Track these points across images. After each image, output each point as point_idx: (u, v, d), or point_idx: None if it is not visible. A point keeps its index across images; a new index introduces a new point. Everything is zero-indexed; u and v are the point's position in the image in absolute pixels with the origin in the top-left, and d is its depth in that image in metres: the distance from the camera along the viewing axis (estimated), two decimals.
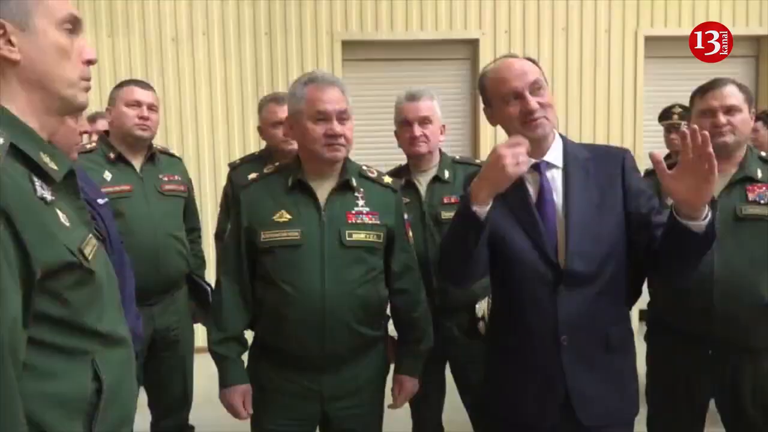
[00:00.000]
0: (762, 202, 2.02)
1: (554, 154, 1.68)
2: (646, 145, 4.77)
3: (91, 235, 1.04)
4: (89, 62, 1.09)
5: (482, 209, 1.52)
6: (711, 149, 1.33)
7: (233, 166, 3.03)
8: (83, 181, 1.87)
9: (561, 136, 1.73)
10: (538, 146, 1.64)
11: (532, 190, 1.67)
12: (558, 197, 1.65)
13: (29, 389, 0.89)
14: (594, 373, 1.62)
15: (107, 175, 2.47)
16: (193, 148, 4.78)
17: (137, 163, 2.59)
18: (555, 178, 1.67)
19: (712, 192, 1.41)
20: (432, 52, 4.98)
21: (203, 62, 4.76)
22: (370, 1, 4.84)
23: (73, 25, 1.06)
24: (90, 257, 0.99)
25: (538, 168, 1.66)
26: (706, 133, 1.34)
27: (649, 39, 5.02)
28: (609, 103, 5.02)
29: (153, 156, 2.65)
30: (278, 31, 4.78)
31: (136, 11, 4.67)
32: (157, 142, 4.45)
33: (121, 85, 2.62)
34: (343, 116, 1.82)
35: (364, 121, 4.70)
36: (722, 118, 2.02)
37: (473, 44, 4.98)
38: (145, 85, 2.63)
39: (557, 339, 1.60)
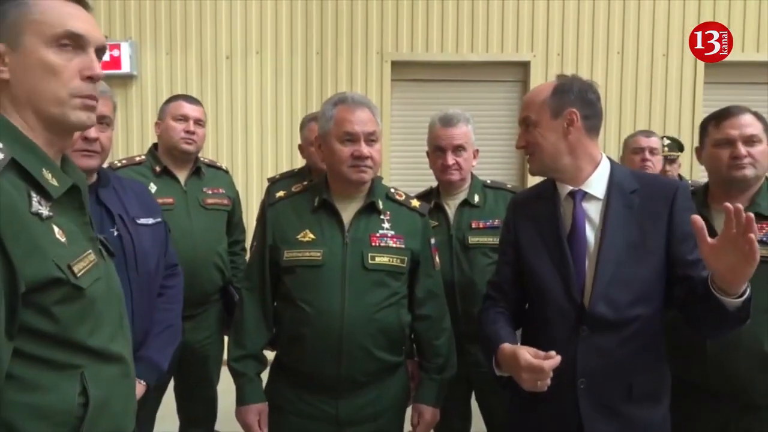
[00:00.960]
0: (766, 240, 1.81)
1: (596, 183, 1.59)
2: (704, 175, 4.58)
3: (90, 251, 1.06)
4: (90, 78, 1.07)
5: (501, 373, 1.56)
6: (753, 234, 1.23)
7: (272, 181, 3.07)
8: (138, 198, 1.90)
9: (609, 160, 1.64)
10: (575, 176, 1.59)
11: (566, 220, 1.60)
12: (594, 231, 1.56)
13: (14, 400, 0.92)
14: (615, 422, 1.53)
15: (152, 188, 2.52)
16: (242, 163, 4.89)
17: (182, 176, 2.65)
18: (592, 209, 1.58)
19: (749, 275, 1.29)
20: (482, 73, 4.95)
21: (255, 80, 4.87)
22: (421, 22, 4.86)
23: (74, 41, 1.06)
24: (80, 274, 1.00)
25: (573, 197, 1.59)
26: (751, 215, 1.23)
27: (709, 65, 4.83)
28: (665, 129, 4.86)
29: (198, 169, 2.70)
30: (329, 50, 4.85)
31: (194, 30, 4.83)
32: (207, 156, 4.61)
33: (170, 100, 2.70)
34: (371, 138, 1.81)
35: (411, 141, 4.72)
36: (742, 149, 1.84)
37: (524, 66, 4.93)
38: (192, 100, 2.70)
39: (574, 382, 1.52)
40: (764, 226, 1.81)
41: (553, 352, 1.40)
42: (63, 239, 1.00)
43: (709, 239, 1.29)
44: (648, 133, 3.28)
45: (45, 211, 0.98)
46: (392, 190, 1.96)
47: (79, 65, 1.06)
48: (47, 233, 0.97)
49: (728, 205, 1.24)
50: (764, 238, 1.78)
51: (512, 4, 4.85)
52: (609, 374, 1.52)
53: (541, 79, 4.81)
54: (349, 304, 1.77)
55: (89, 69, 1.07)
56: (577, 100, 1.58)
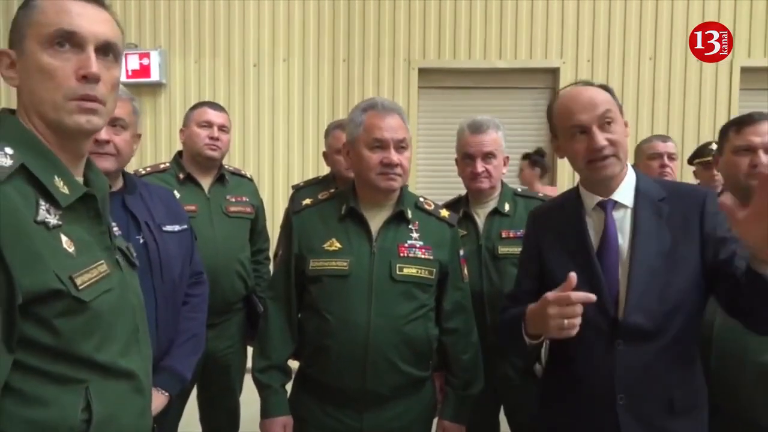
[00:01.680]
0: None
1: (624, 192, 1.53)
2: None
3: (101, 262, 1.02)
4: (85, 78, 1.00)
5: (533, 343, 1.48)
6: None
7: (297, 188, 3.05)
8: (165, 205, 1.88)
9: (634, 169, 1.59)
10: (604, 185, 1.52)
11: (594, 231, 1.54)
12: (624, 241, 1.51)
13: (13, 413, 0.89)
14: None
15: (176, 195, 2.52)
16: (268, 171, 4.90)
17: (206, 183, 2.63)
18: (623, 219, 1.52)
19: None
20: (510, 80, 4.89)
21: (282, 87, 4.88)
22: (449, 29, 4.82)
23: (69, 40, 1.01)
24: (83, 286, 0.96)
25: (604, 207, 1.53)
26: None
27: (745, 70, 4.72)
28: (699, 136, 4.74)
29: (222, 177, 2.68)
30: (356, 57, 4.85)
31: (222, 37, 4.86)
32: (234, 163, 4.62)
33: (194, 107, 2.69)
34: (401, 145, 1.76)
35: (438, 149, 4.68)
36: (764, 158, 1.78)
37: (554, 73, 4.86)
38: (216, 107, 2.69)
39: (614, 398, 1.46)
40: None
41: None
42: (71, 249, 0.96)
43: (740, 215, 1.22)
44: (664, 138, 3.16)
45: (53, 220, 0.95)
46: (421, 199, 1.91)
47: (76, 65, 1.00)
48: (52, 243, 0.94)
49: (764, 172, 1.18)
50: None
51: (541, 10, 4.79)
52: (649, 388, 1.46)
53: None
54: (375, 315, 1.72)
55: (84, 68, 1.00)
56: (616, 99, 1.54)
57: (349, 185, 1.91)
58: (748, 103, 4.73)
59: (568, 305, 1.32)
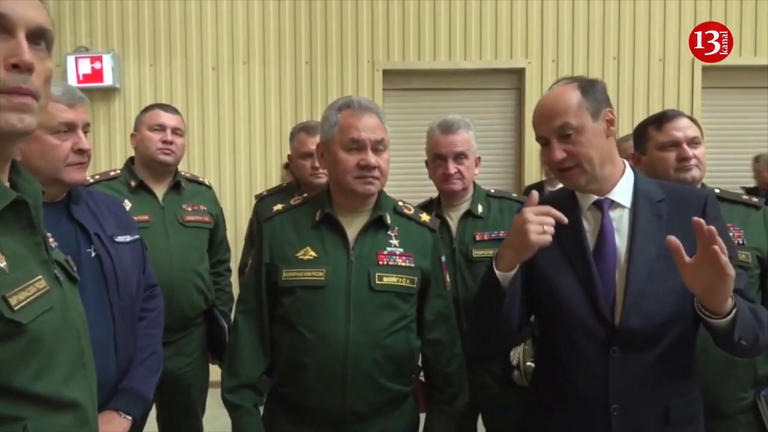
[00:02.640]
0: None
1: (622, 192, 1.47)
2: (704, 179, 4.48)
3: (39, 277, 0.89)
4: (16, 67, 0.85)
5: (505, 276, 1.37)
6: (717, 246, 1.16)
7: (260, 198, 2.92)
8: (114, 214, 1.75)
9: (633, 169, 1.52)
10: (598, 186, 1.45)
11: (590, 231, 1.47)
12: (622, 242, 1.43)
13: None
14: None
15: (127, 204, 2.34)
16: (230, 178, 4.74)
17: (160, 191, 2.48)
18: (620, 219, 1.45)
19: (727, 292, 1.22)
20: (476, 81, 4.83)
21: (243, 92, 4.73)
22: (413, 30, 4.74)
23: None
24: (19, 306, 0.82)
25: (601, 207, 1.46)
26: (713, 228, 1.16)
27: (706, 69, 4.74)
28: None
29: (178, 184, 2.53)
30: (319, 59, 4.73)
31: (178, 39, 4.70)
32: (194, 171, 4.46)
33: (145, 110, 2.54)
34: (379, 146, 1.65)
35: (403, 153, 4.58)
36: (689, 151, 1.88)
37: (519, 73, 4.82)
38: (169, 109, 2.55)
39: (607, 408, 1.38)
40: None
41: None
42: (2, 264, 0.83)
43: (687, 259, 1.22)
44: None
45: None
46: (400, 203, 1.80)
47: (4, 53, 0.85)
48: None
49: (697, 219, 1.18)
50: None
51: (505, 10, 4.75)
52: (644, 398, 1.39)
53: (536, 86, 4.70)
54: (354, 329, 1.60)
55: (15, 55, 0.85)
56: (604, 98, 1.47)
57: (323, 189, 1.79)
58: (709, 101, 4.80)
59: (545, 215, 1.33)
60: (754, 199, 1.97)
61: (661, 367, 1.38)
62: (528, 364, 1.97)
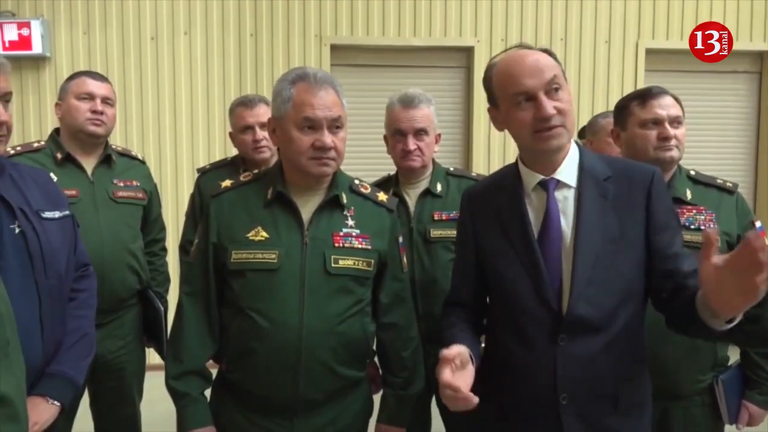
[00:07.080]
0: (692, 227, 1.78)
1: (568, 170, 1.39)
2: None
3: None
4: None
5: None
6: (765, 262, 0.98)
7: (202, 171, 2.79)
8: (41, 188, 1.61)
9: (578, 145, 1.45)
10: (549, 160, 1.38)
11: (534, 214, 1.40)
12: (567, 225, 1.37)
13: None
14: None
15: (53, 178, 2.19)
16: (170, 153, 4.55)
17: (89, 165, 2.32)
18: (566, 200, 1.38)
19: (741, 308, 1.07)
20: (425, 59, 4.77)
21: (185, 63, 4.53)
22: (361, 4, 4.63)
23: None
24: None
25: (546, 187, 1.39)
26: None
27: (650, 52, 4.84)
28: None
29: (108, 158, 2.38)
30: (264, 32, 4.56)
31: (114, 7, 4.44)
32: (133, 146, 4.25)
33: (71, 77, 2.35)
34: (335, 125, 1.55)
35: (353, 129, 4.48)
36: (671, 130, 1.82)
37: (468, 52, 4.79)
38: (98, 77, 2.37)
39: (555, 398, 1.34)
40: (684, 211, 1.81)
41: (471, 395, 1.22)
42: None
43: (714, 259, 1.05)
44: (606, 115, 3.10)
45: None
46: (356, 182, 1.71)
47: None
48: None
49: (751, 234, 0.98)
50: (686, 223, 1.77)
51: None
52: (593, 386, 1.34)
53: (485, 65, 4.66)
54: (308, 314, 1.52)
55: None
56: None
57: (276, 165, 1.68)
58: (652, 84, 4.86)
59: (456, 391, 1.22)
60: (729, 183, 1.92)
61: (610, 354, 1.33)
62: (482, 345, 1.95)
